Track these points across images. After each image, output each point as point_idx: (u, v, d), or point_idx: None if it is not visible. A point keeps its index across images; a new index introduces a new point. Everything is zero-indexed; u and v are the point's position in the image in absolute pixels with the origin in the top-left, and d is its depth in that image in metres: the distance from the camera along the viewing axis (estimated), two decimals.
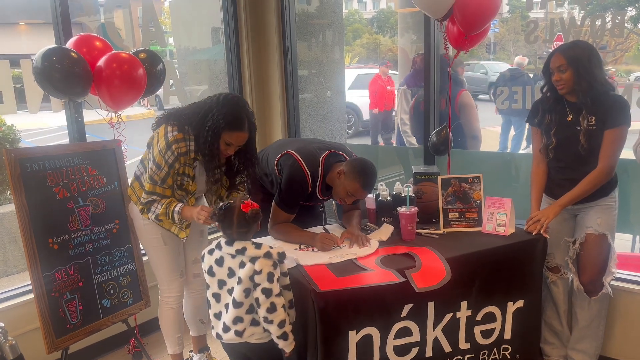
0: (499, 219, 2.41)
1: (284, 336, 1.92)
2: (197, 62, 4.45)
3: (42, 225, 2.35)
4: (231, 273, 1.94)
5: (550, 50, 2.37)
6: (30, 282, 2.33)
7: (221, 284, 1.97)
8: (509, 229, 2.39)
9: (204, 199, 2.55)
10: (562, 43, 2.49)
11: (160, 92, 3.70)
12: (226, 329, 1.96)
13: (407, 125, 4.20)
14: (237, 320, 1.92)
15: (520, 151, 6.21)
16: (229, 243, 1.94)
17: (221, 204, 2.00)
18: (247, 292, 1.89)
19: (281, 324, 1.90)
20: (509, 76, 5.92)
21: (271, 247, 1.92)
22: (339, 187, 2.37)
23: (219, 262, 1.96)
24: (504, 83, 5.69)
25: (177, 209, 2.24)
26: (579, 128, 2.31)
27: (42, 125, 9.88)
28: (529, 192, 2.52)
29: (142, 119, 9.04)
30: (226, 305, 1.97)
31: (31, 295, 2.42)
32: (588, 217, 2.39)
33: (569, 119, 2.34)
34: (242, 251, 1.90)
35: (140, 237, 2.56)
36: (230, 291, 1.95)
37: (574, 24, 2.66)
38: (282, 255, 1.94)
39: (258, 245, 1.92)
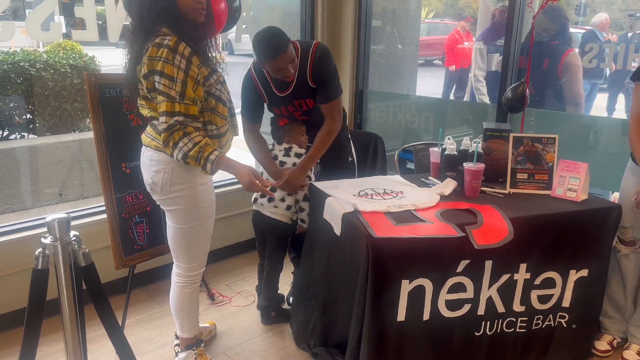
0: (571, 184, 2.28)
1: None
2: (271, 7, 4.38)
3: (116, 150, 2.46)
4: None
5: None
6: (104, 203, 2.48)
7: None
8: (580, 195, 2.26)
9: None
10: None
11: (232, 36, 3.71)
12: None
13: (481, 83, 4.01)
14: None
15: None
16: None
17: None
18: None
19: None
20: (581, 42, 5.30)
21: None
22: None
23: None
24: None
25: (212, 157, 1.87)
26: None
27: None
28: (608, 160, 2.36)
29: None
30: None
31: (104, 216, 2.59)
32: None
33: None
34: None
35: (189, 208, 2.04)
36: None
37: None
38: None
39: None
